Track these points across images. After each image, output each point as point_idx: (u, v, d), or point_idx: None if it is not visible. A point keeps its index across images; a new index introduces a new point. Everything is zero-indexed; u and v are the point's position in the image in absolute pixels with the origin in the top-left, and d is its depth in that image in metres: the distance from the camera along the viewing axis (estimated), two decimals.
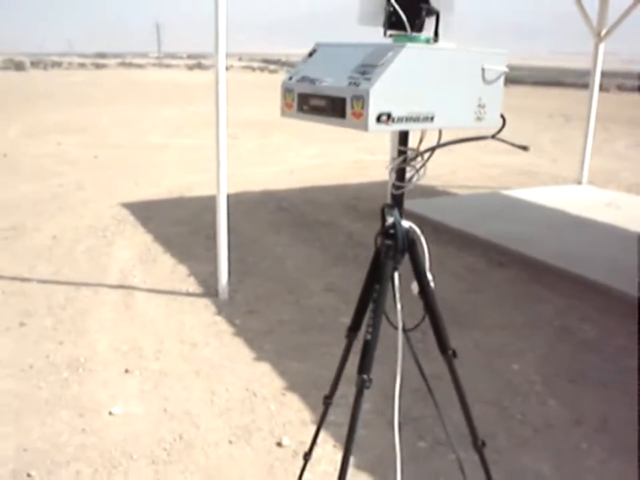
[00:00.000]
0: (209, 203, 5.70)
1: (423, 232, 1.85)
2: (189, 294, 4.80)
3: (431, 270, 1.87)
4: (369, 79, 1.32)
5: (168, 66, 73.63)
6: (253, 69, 64.90)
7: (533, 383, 3.59)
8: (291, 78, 1.57)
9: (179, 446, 2.95)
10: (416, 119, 1.41)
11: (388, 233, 1.74)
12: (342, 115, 1.38)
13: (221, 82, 4.22)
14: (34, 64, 63.99)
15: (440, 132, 1.71)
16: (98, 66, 70.11)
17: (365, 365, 1.76)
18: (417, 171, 1.70)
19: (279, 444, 2.97)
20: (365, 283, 1.88)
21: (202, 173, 9.02)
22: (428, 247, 1.82)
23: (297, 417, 3.20)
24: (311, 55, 1.59)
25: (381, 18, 1.53)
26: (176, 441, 2.98)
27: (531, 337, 4.16)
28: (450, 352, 1.95)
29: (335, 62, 1.47)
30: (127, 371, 3.63)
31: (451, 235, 6.31)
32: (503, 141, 1.65)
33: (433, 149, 1.67)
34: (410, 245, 1.75)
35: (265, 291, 4.82)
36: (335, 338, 3.35)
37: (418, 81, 1.40)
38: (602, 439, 3.05)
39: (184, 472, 2.76)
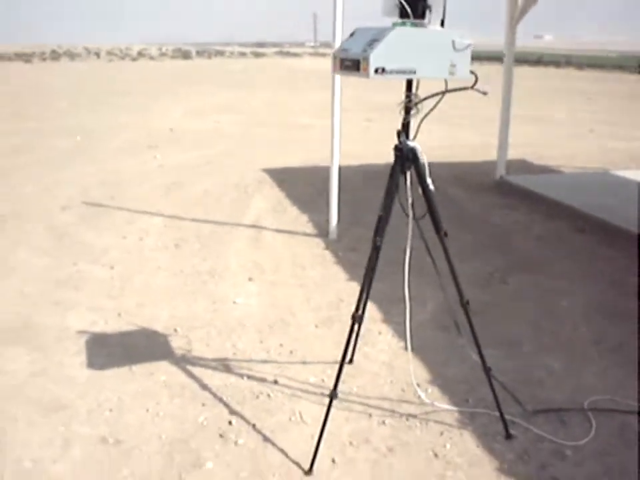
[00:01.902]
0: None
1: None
2: (305, 234, 5.90)
3: (431, 176, 2.74)
4: (372, 49, 2.25)
5: (323, 55, 75.98)
6: None
7: (573, 315, 4.27)
8: (337, 49, 2.53)
9: (278, 324, 4.03)
10: (402, 72, 2.32)
11: (398, 148, 2.64)
12: (358, 69, 2.32)
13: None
14: (199, 53, 68.95)
15: (446, 84, 2.58)
16: (257, 55, 73.96)
17: (378, 232, 2.69)
18: (416, 106, 2.58)
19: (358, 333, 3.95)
20: (384, 195, 2.77)
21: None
22: (428, 162, 2.69)
23: (369, 315, 4.16)
24: (351, 35, 2.54)
25: (397, 10, 2.45)
26: (277, 321, 4.07)
27: (586, 285, 4.78)
28: (442, 232, 2.80)
29: (361, 39, 2.40)
30: (250, 279, 4.79)
31: (549, 205, 6.87)
32: (477, 90, 2.51)
33: (426, 98, 2.56)
34: (414, 158, 2.65)
35: (366, 236, 5.79)
36: (412, 271, 4.29)
37: (404, 48, 2.30)
38: (612, 356, 3.71)
39: (279, 339, 3.84)
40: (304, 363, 3.56)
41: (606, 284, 4.79)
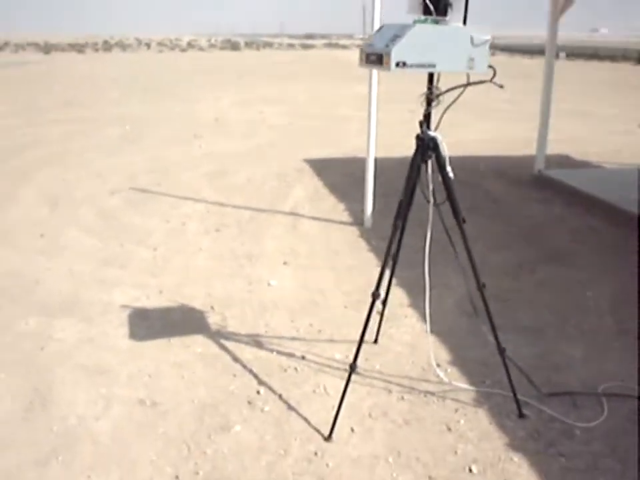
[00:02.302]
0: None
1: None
2: (341, 222, 6.08)
3: (451, 165, 2.89)
4: (394, 44, 2.41)
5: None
6: None
7: (598, 305, 4.35)
8: (364, 44, 2.70)
9: (309, 305, 4.23)
10: (422, 66, 2.48)
11: (419, 137, 2.80)
12: (381, 63, 2.49)
13: None
14: (248, 44, 69.60)
15: (468, 78, 2.73)
16: (305, 46, 74.24)
17: (398, 216, 2.86)
18: (437, 99, 2.74)
19: (377, 312, 4.12)
20: (405, 182, 2.94)
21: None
22: (447, 151, 2.85)
23: (397, 300, 4.32)
24: (378, 30, 2.70)
25: (420, 8, 2.61)
26: (308, 303, 4.27)
27: (615, 277, 4.83)
28: (461, 219, 2.94)
29: (385, 34, 2.56)
30: (285, 263, 5.01)
31: (585, 200, 6.88)
32: (494, 83, 2.65)
33: (446, 91, 2.71)
34: (434, 147, 2.80)
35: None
36: (439, 259, 4.43)
37: (424, 44, 2.45)
38: (635, 347, 3.78)
39: (309, 319, 4.04)
40: (331, 341, 3.75)
41: (636, 277, 4.83)
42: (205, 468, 2.63)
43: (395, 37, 2.45)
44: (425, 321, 3.98)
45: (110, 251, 5.18)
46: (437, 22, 2.53)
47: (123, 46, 66.78)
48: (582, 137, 11.45)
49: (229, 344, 3.66)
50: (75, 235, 5.57)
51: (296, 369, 3.42)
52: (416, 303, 4.31)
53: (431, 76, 2.70)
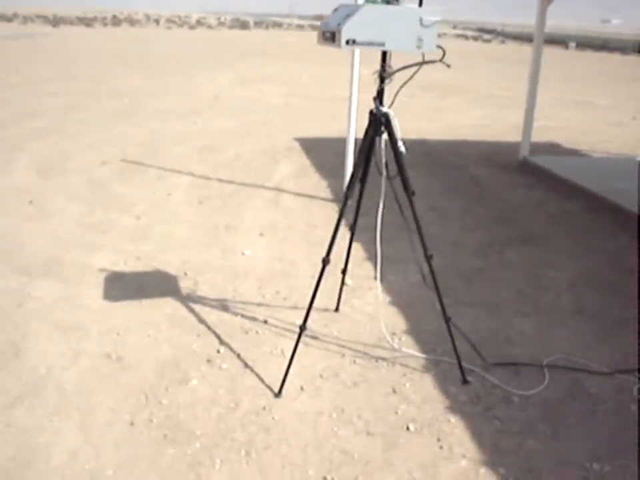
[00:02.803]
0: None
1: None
2: (322, 198, 6.25)
3: (402, 140, 3.04)
4: (344, 23, 2.57)
5: None
6: (466, 37, 64.38)
7: (559, 285, 4.51)
8: (321, 23, 2.85)
9: (279, 275, 4.41)
10: (371, 44, 2.63)
11: (372, 113, 2.96)
12: (333, 40, 2.64)
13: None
14: (257, 24, 69.29)
15: (423, 58, 2.87)
16: (314, 27, 73.82)
17: (349, 186, 3.02)
18: (390, 77, 2.89)
19: (345, 284, 4.29)
20: (357, 156, 3.09)
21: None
22: (399, 126, 3.00)
23: (363, 272, 4.50)
24: (334, 10, 2.85)
25: None
26: (278, 272, 4.45)
27: (583, 259, 4.99)
28: (410, 192, 3.10)
29: (340, 14, 2.70)
30: (261, 234, 5.18)
31: (565, 186, 7.02)
32: (444, 63, 2.80)
33: (400, 69, 2.86)
34: (386, 123, 2.96)
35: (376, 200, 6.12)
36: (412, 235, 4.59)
37: (373, 23, 2.59)
38: (587, 323, 3.94)
39: (277, 287, 4.21)
40: (294, 308, 3.93)
41: (603, 260, 4.99)
42: (159, 416, 2.82)
43: (346, 16, 2.60)
44: (389, 293, 4.18)
45: (95, 218, 5.35)
46: (388, 2, 2.67)
47: (131, 21, 66.59)
48: (576, 126, 11.55)
49: (197, 307, 3.84)
50: (63, 202, 5.75)
51: (257, 332, 3.60)
52: (383, 276, 4.47)
53: (384, 54, 2.85)
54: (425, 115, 12.06)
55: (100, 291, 3.99)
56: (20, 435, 2.63)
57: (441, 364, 3.39)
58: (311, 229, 5.38)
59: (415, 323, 3.82)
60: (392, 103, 3.04)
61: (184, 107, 11.54)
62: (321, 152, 8.24)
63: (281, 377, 3.10)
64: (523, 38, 53.99)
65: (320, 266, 3.12)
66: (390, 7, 2.66)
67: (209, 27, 63.79)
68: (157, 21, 68.95)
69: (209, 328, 3.61)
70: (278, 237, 5.14)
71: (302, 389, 3.10)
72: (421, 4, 2.80)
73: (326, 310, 3.93)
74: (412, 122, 10.98)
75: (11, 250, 4.59)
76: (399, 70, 2.88)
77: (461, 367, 3.25)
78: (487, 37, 65.95)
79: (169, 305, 3.86)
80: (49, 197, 5.85)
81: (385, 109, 2.94)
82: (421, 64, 2.82)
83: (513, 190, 6.94)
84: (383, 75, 2.88)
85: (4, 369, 3.11)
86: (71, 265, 4.35)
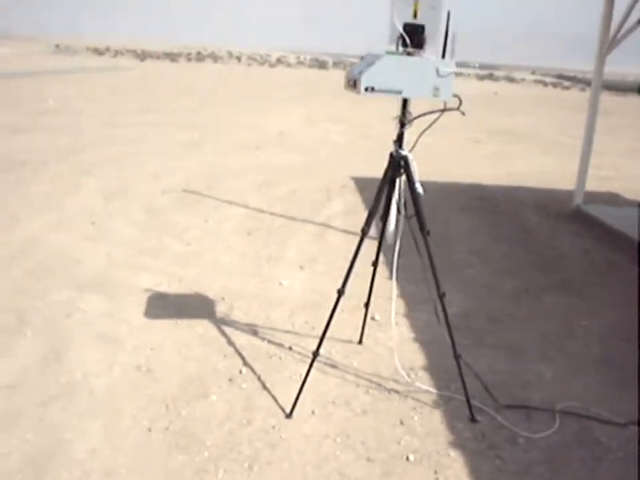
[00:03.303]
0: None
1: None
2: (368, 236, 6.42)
3: (420, 183, 3.22)
4: (365, 71, 2.80)
5: (458, 75, 75.70)
6: (545, 83, 63.76)
7: (590, 334, 4.51)
8: (348, 70, 3.09)
9: (311, 305, 4.62)
10: (389, 91, 2.85)
11: (392, 155, 3.16)
12: (355, 87, 2.87)
13: None
14: (335, 64, 70.81)
15: (444, 105, 3.07)
16: None
17: (367, 222, 3.22)
18: (409, 123, 3.09)
19: (373, 318, 4.45)
20: (376, 194, 3.28)
21: (424, 165, 10.60)
22: (417, 168, 3.18)
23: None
24: (362, 58, 3.09)
25: (400, 40, 2.98)
26: (310, 303, 4.66)
27: (618, 310, 4.95)
28: (426, 231, 3.26)
29: (364, 63, 2.94)
30: (301, 267, 5.41)
31: (614, 236, 6.93)
32: (460, 111, 2.99)
33: (417, 117, 3.07)
34: (405, 165, 3.15)
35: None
36: (446, 276, 4.72)
37: (391, 72, 2.82)
38: (610, 373, 3.94)
39: (307, 317, 4.41)
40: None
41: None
42: (176, 426, 3.05)
43: (368, 65, 2.84)
44: (415, 330, 4.31)
45: (148, 242, 5.73)
46: (409, 53, 2.89)
47: (214, 57, 69.45)
48: None
49: (228, 330, 4.09)
50: (122, 225, 6.17)
51: (280, 357, 3.80)
52: (411, 313, 4.62)
53: (404, 101, 3.06)
54: (487, 161, 12.13)
55: (141, 309, 4.29)
56: (49, 430, 2.91)
57: (452, 401, 3.49)
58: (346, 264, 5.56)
59: (434, 359, 3.93)
60: (413, 147, 3.23)
61: (250, 142, 12.03)
62: (374, 191, 8.42)
63: (297, 402, 3.28)
64: (604, 86, 53.04)
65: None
66: (408, 57, 2.88)
67: (288, 65, 65.72)
68: (238, 58, 71.65)
69: (236, 350, 3.84)
70: (316, 271, 5.35)
71: (313, 412, 3.26)
72: (443, 55, 3.00)
73: (350, 342, 4.10)
74: (473, 167, 11.09)
75: (68, 266, 4.98)
76: (417, 117, 3.09)
77: (469, 405, 3.34)
78: (567, 83, 65.10)
79: (202, 325, 4.12)
80: (110, 220, 6.29)
81: (404, 152, 3.13)
82: (438, 111, 3.01)
83: (561, 238, 6.93)
84: (403, 121, 3.08)
85: (45, 372, 3.42)
86: (118, 283, 4.69)
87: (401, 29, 2.93)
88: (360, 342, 4.08)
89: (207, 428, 3.05)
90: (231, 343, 3.93)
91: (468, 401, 3.34)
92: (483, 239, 6.63)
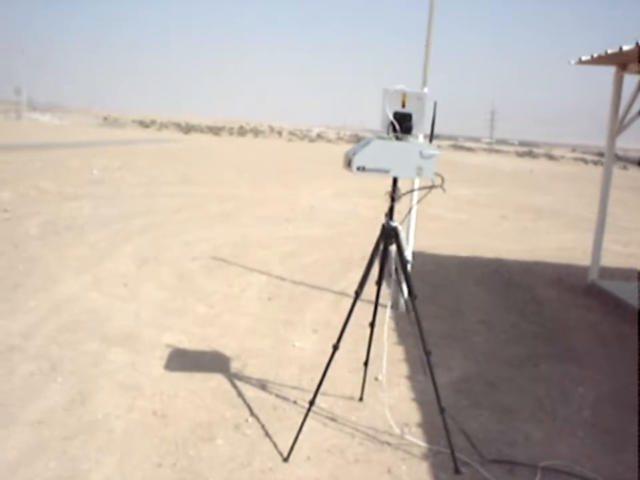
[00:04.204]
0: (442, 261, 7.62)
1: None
2: (380, 304, 6.78)
3: (409, 253, 3.62)
4: (358, 152, 3.27)
5: (497, 152, 76.75)
6: (586, 161, 64.05)
7: (584, 400, 4.72)
8: (346, 151, 3.56)
9: (319, 365, 4.94)
10: (378, 170, 3.29)
11: (383, 226, 3.57)
12: (350, 166, 3.33)
13: None
14: None
15: (432, 183, 3.50)
16: None
17: (360, 283, 3.60)
18: (399, 198, 3.51)
19: (376, 379, 4.75)
20: (368, 260, 3.68)
21: (449, 239, 10.96)
22: (406, 237, 3.58)
23: (398, 371, 4.94)
24: (359, 141, 3.56)
25: (390, 126, 3.45)
26: (319, 363, 4.98)
27: (617, 379, 5.15)
28: (413, 296, 3.62)
29: (360, 144, 3.42)
30: (314, 330, 5.77)
31: (625, 310, 7.13)
32: (442, 188, 3.41)
33: (406, 193, 3.50)
34: (395, 235, 3.55)
35: (433, 312, 6.58)
36: (454, 345, 5.04)
37: (381, 154, 3.27)
38: (598, 436, 4.14)
39: (313, 375, 4.73)
40: (323, 394, 4.43)
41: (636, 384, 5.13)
42: (183, 463, 3.39)
43: (362, 147, 3.31)
44: (415, 391, 4.60)
45: (174, 303, 6.18)
46: (398, 138, 3.35)
47: (256, 132, 72.01)
48: None
49: (240, 384, 4.44)
50: (151, 288, 6.65)
51: (285, 409, 4.13)
52: (413, 376, 4.91)
53: (394, 179, 3.50)
54: (512, 236, 12.44)
55: (162, 362, 4.69)
56: (70, 460, 3.29)
57: (440, 454, 3.75)
58: (360, 329, 5.88)
59: (429, 417, 4.20)
60: (404, 219, 3.65)
61: (280, 215, 12.61)
62: None
63: (295, 448, 3.59)
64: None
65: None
66: (395, 142, 3.34)
67: (328, 140, 67.63)
68: (279, 133, 74.10)
69: (244, 401, 4.19)
70: (328, 334, 5.70)
71: (308, 458, 3.57)
72: (431, 140, 3.46)
73: (351, 398, 4.42)
74: (498, 242, 11.43)
75: (99, 322, 5.45)
76: (405, 193, 3.52)
77: (453, 456, 3.60)
78: None
79: (216, 379, 4.49)
80: (140, 282, 6.79)
81: (394, 224, 3.55)
82: (424, 188, 3.44)
83: (571, 310, 7.16)
84: (393, 196, 3.51)
85: (70, 412, 3.82)
86: (143, 339, 5.12)
87: (391, 117, 3.40)
88: (361, 399, 4.38)
89: (210, 466, 3.38)
90: (240, 395, 4.28)
91: (452, 452, 3.60)
92: (493, 310, 6.91)
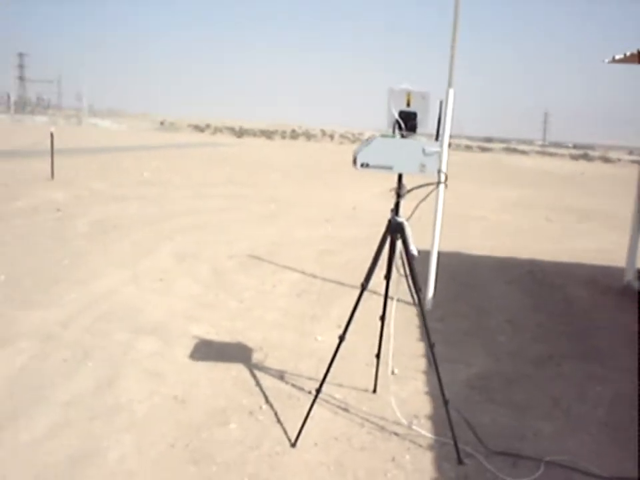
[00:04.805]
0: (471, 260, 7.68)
1: None
2: (407, 302, 6.88)
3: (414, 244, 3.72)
4: (361, 150, 3.41)
5: (551, 154, 75.17)
6: None
7: (601, 398, 4.71)
8: (355, 149, 3.71)
9: (337, 358, 5.10)
10: (381, 167, 3.42)
11: (389, 221, 3.70)
12: (355, 163, 3.48)
13: (443, 159, 6.32)
14: None
15: (440, 179, 3.61)
16: (483, 149, 75.28)
17: (366, 277, 3.74)
18: (404, 194, 3.64)
19: (392, 372, 4.88)
20: (375, 253, 3.81)
21: (488, 240, 10.93)
22: (411, 231, 3.70)
23: (414, 366, 5.04)
24: (366, 139, 3.70)
25: (396, 124, 3.57)
26: (338, 357, 5.14)
27: (636, 381, 5.15)
28: (419, 291, 3.74)
29: (365, 143, 3.56)
30: (338, 325, 5.92)
31: None
32: (445, 184, 3.52)
33: (412, 189, 3.62)
34: (401, 230, 3.68)
35: (460, 310, 6.64)
36: (475, 341, 5.13)
37: (384, 151, 3.41)
38: (611, 434, 4.15)
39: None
40: (339, 385, 4.59)
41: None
42: (195, 444, 3.60)
43: (367, 144, 3.45)
44: (430, 387, 4.71)
45: (207, 298, 6.43)
46: (404, 136, 3.47)
47: (308, 135, 72.54)
48: None
49: (259, 373, 4.64)
50: (186, 283, 6.93)
51: (299, 398, 4.30)
52: (430, 371, 5.01)
53: (400, 176, 3.63)
54: (551, 237, 12.30)
55: (187, 352, 4.93)
56: (91, 439, 3.54)
57: (446, 446, 3.85)
58: (385, 326, 6.02)
59: (439, 410, 4.29)
60: (411, 215, 3.77)
61: (321, 215, 12.80)
62: (423, 262, 8.87)
63: (304, 434, 3.76)
64: None
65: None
66: (398, 139, 3.46)
67: None
68: (331, 136, 74.43)
69: (261, 390, 4.38)
70: (352, 330, 5.83)
71: (316, 444, 3.73)
72: (437, 138, 3.57)
73: (365, 390, 4.55)
74: (536, 243, 11.33)
75: (132, 314, 5.74)
76: (410, 190, 3.65)
77: (456, 447, 3.69)
78: None
79: (237, 369, 4.70)
80: (177, 278, 7.08)
81: (400, 219, 3.68)
82: (429, 184, 3.56)
83: (602, 311, 7.10)
84: (399, 192, 3.64)
85: (96, 395, 4.09)
86: (172, 330, 5.38)
87: (396, 116, 3.53)
88: (374, 391, 4.51)
89: (220, 448, 3.58)
90: (258, 384, 4.47)
91: (455, 444, 3.70)
92: (521, 309, 6.91)
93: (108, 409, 3.92)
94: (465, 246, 10.38)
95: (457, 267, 8.66)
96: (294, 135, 70.40)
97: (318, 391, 3.79)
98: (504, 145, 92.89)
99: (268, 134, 66.50)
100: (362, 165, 3.41)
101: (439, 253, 9.67)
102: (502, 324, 6.36)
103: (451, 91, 6.16)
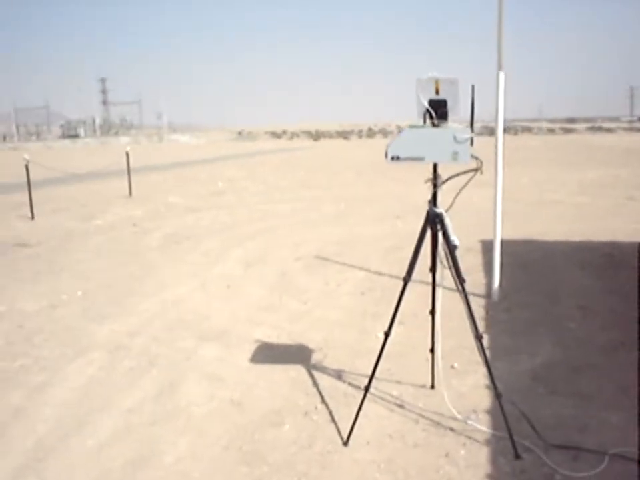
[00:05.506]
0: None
1: None
2: (474, 294, 6.75)
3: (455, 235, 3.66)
4: (392, 143, 3.39)
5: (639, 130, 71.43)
6: None
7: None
8: (388, 143, 3.69)
9: (397, 356, 5.07)
10: (413, 159, 3.39)
11: (428, 213, 3.65)
12: (386, 157, 3.46)
13: (498, 145, 6.18)
14: (506, 130, 70.17)
15: (478, 167, 3.54)
16: (566, 130, 72.48)
17: (408, 270, 3.71)
18: (441, 185, 3.58)
19: (452, 367, 4.80)
20: (415, 247, 3.76)
21: (563, 225, 10.57)
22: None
23: (476, 359, 4.95)
24: (399, 131, 3.67)
25: (426, 113, 3.52)
26: (397, 354, 5.12)
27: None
28: (462, 280, 3.67)
29: (397, 134, 3.53)
30: (401, 323, 5.88)
31: None
32: (480, 171, 3.44)
33: (448, 179, 3.56)
34: (440, 221, 3.62)
35: (528, 299, 6.45)
36: (541, 330, 4.99)
37: (414, 142, 3.37)
38: None
39: (390, 365, 4.88)
40: (397, 382, 4.57)
41: None
42: (248, 445, 3.69)
43: (397, 135, 3.44)
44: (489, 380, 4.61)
45: (270, 301, 6.56)
46: (435, 125, 3.43)
47: (384, 133, 72.18)
48: None
49: (316, 374, 4.69)
50: (252, 287, 7.09)
51: (354, 396, 4.32)
52: (493, 363, 4.89)
53: (435, 166, 3.58)
54: (634, 218, 11.71)
55: (248, 356, 5.05)
56: (150, 442, 3.70)
57: (503, 440, 3.76)
58: (447, 320, 5.92)
59: (498, 404, 4.20)
60: (450, 206, 3.72)
61: (390, 212, 12.73)
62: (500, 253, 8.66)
63: (357, 433, 3.78)
64: None
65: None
66: (427, 128, 3.42)
67: None
68: None
69: (318, 390, 4.42)
70: (413, 325, 5.80)
71: (368, 443, 3.74)
72: (472, 125, 3.50)
73: (423, 386, 4.52)
74: (615, 224, 10.83)
75: (197, 320, 5.93)
76: (446, 180, 3.59)
77: (512, 441, 3.60)
78: None
79: (295, 370, 4.77)
80: (243, 283, 7.25)
81: (438, 210, 3.63)
82: (466, 172, 3.49)
83: None
84: (435, 183, 3.60)
85: (158, 401, 4.26)
86: (235, 335, 5.52)
87: (426, 105, 3.49)
88: (432, 387, 4.47)
89: (273, 449, 3.65)
90: (315, 384, 4.52)
91: (511, 437, 3.61)
92: (594, 294, 6.63)
93: (167, 413, 4.08)
94: (538, 232, 10.05)
95: (529, 255, 8.41)
96: (370, 134, 70.21)
97: (367, 388, 3.79)
98: (589, 125, 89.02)
99: (344, 134, 66.64)
100: (392, 159, 3.39)
101: (510, 242, 9.44)
102: (572, 310, 6.13)
103: (501, 74, 6.01)
